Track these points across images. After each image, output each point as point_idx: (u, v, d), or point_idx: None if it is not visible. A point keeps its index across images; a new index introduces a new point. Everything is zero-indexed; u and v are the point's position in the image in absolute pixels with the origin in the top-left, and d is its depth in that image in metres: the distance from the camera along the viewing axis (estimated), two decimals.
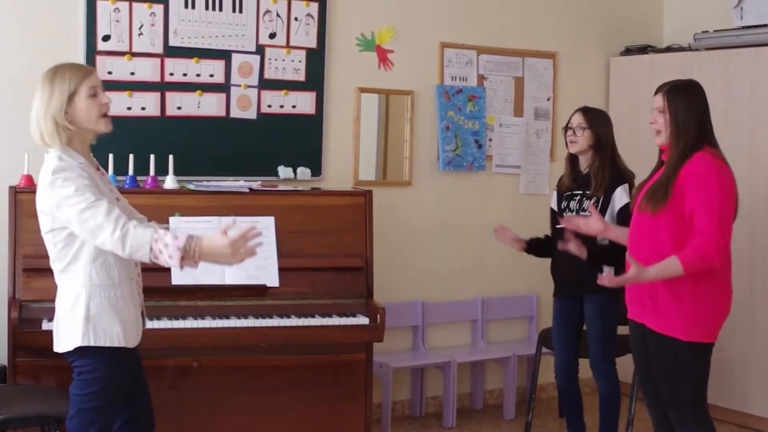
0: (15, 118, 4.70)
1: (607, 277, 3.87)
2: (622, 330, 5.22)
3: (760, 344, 5.66)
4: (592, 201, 4.74)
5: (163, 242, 3.16)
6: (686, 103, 3.79)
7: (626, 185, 4.73)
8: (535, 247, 5.03)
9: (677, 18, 6.60)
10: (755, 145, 5.65)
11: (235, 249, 3.19)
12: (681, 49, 6.20)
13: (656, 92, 3.91)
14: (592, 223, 4.29)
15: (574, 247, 4.52)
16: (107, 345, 3.35)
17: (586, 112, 4.85)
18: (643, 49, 6.38)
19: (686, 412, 3.79)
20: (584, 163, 4.86)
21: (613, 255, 4.52)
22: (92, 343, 3.34)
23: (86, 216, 3.25)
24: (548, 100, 6.25)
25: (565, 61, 6.31)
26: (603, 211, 4.71)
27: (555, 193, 5.03)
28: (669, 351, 3.77)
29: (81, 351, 3.36)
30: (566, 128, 4.87)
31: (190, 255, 3.18)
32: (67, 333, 3.37)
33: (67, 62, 3.51)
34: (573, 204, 4.84)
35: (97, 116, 3.40)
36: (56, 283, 3.46)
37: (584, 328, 4.93)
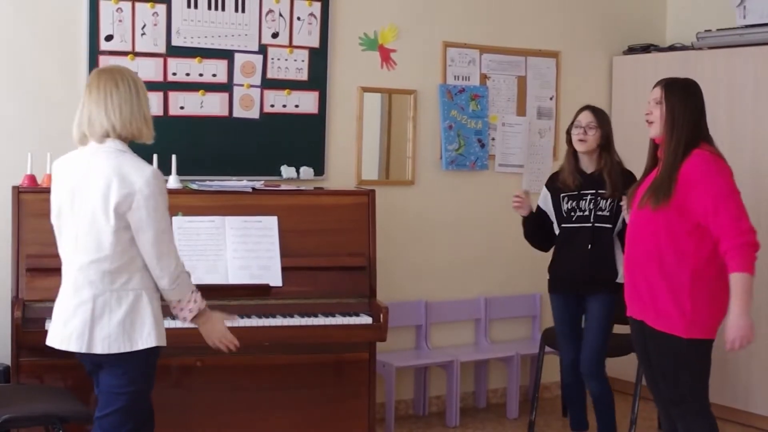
0: (18, 118, 4.71)
1: (728, 344, 3.63)
2: (623, 329, 5.23)
3: (763, 343, 5.64)
4: (608, 202, 4.73)
5: (195, 298, 3.51)
6: (683, 97, 3.82)
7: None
8: (533, 221, 4.96)
9: (680, 17, 6.60)
10: (759, 143, 5.64)
11: (215, 340, 3.64)
12: (684, 48, 6.19)
13: (655, 86, 3.93)
14: None
15: None
16: (163, 344, 3.47)
17: (595, 111, 4.84)
18: (646, 48, 6.38)
19: (687, 408, 3.79)
20: (588, 163, 4.84)
21: None
22: (161, 343, 3.45)
23: (165, 238, 3.39)
24: (551, 99, 6.25)
25: (568, 60, 6.31)
26: (618, 212, 4.72)
27: (546, 192, 4.96)
28: (668, 348, 3.77)
29: (136, 352, 3.40)
30: (572, 126, 4.85)
31: (199, 318, 3.56)
32: (130, 334, 3.37)
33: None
34: (584, 204, 4.80)
35: None
36: (90, 279, 3.37)
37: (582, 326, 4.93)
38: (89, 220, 3.37)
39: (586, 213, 4.80)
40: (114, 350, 3.36)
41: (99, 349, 3.36)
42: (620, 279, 4.70)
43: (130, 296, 3.38)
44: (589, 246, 4.77)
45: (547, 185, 5.01)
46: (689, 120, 3.79)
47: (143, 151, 4.71)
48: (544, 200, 4.96)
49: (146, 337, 3.39)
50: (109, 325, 3.36)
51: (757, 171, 5.59)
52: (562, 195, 4.87)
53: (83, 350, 3.37)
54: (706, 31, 5.99)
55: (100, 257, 3.36)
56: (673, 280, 3.72)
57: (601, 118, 4.81)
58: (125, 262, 3.37)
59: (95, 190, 3.35)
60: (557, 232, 4.91)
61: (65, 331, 3.41)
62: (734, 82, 5.72)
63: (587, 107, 4.87)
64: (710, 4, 6.34)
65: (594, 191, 4.79)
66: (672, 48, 6.29)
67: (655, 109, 3.86)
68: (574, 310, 4.89)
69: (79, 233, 3.40)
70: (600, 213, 4.76)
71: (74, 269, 3.42)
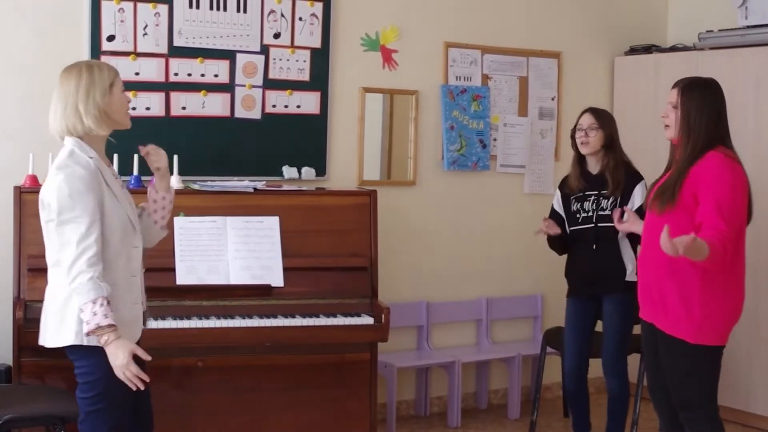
0: (19, 118, 4.71)
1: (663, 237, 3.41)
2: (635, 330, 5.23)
3: (764, 343, 5.65)
4: (610, 201, 4.74)
5: (93, 311, 3.20)
6: (700, 101, 3.76)
7: (644, 182, 4.73)
8: (558, 240, 4.94)
9: (682, 17, 6.60)
10: (760, 144, 5.64)
11: (116, 370, 3.24)
12: (686, 48, 6.19)
13: (673, 87, 3.88)
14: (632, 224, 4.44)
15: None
16: (98, 344, 3.28)
17: (596, 112, 4.84)
18: (648, 49, 6.38)
19: (696, 412, 3.77)
20: (594, 164, 4.84)
21: None
22: (84, 343, 3.29)
23: (65, 229, 3.26)
24: (553, 99, 6.25)
25: (570, 60, 6.30)
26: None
27: (558, 194, 4.99)
28: (677, 352, 3.75)
29: (77, 350, 3.33)
30: (575, 130, 4.85)
31: (98, 336, 3.23)
32: (59, 330, 3.33)
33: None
34: (587, 205, 4.81)
35: (125, 111, 3.45)
36: (48, 275, 3.39)
37: (598, 328, 4.90)
38: None
39: (590, 213, 4.80)
40: (47, 344, 3.40)
41: (42, 341, 3.44)
42: (629, 277, 4.71)
43: (63, 293, 3.31)
44: (594, 246, 4.76)
45: (559, 187, 5.03)
46: (705, 123, 3.74)
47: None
48: (557, 202, 4.99)
49: (65, 333, 3.33)
50: (47, 320, 3.39)
51: (757, 171, 5.57)
52: (570, 197, 4.90)
53: (41, 343, 3.44)
54: (707, 31, 5.99)
55: (47, 250, 3.38)
56: (684, 284, 3.68)
57: (603, 119, 4.81)
58: (57, 260, 3.33)
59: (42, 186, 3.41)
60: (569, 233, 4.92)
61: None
62: (736, 83, 5.71)
63: (589, 110, 4.87)
64: (712, 4, 6.33)
65: (597, 192, 4.80)
66: (674, 48, 6.28)
67: (671, 112, 3.82)
68: (586, 315, 4.87)
69: None
70: (602, 213, 4.76)
71: None
